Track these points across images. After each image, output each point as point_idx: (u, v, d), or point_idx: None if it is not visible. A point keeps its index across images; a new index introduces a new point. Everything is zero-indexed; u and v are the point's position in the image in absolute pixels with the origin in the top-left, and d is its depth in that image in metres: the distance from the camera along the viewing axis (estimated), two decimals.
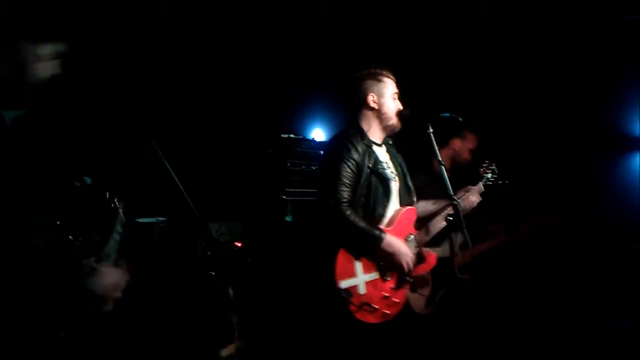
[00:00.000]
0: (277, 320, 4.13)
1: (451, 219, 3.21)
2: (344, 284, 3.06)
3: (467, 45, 5.24)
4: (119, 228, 2.54)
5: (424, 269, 3.44)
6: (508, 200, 4.53)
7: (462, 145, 4.32)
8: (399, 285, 3.25)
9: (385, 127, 3.40)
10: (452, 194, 3.20)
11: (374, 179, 3.24)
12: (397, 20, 5.19)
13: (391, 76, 3.44)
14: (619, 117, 5.08)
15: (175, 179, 3.08)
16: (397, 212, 3.35)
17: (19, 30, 2.27)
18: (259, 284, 4.16)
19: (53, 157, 2.42)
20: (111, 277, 2.37)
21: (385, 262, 3.18)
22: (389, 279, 3.21)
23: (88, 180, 2.54)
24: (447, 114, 3.33)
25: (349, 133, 3.32)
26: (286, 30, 5.32)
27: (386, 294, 3.18)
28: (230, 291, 3.55)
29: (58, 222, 2.28)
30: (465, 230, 3.17)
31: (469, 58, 5.24)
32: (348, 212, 3.08)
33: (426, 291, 3.87)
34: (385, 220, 3.30)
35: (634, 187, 4.96)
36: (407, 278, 3.28)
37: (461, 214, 3.18)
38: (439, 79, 5.15)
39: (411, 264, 3.21)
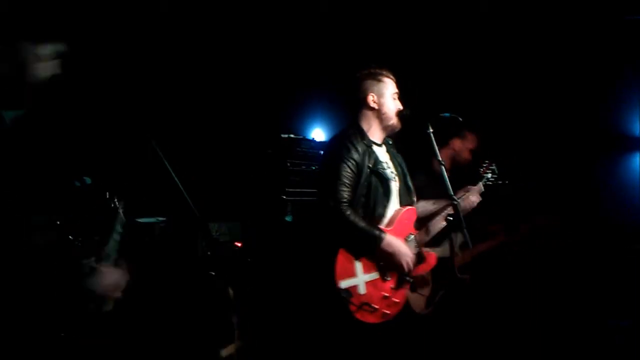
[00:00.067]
0: (277, 321, 4.13)
1: (451, 219, 3.21)
2: (344, 284, 3.06)
3: (468, 45, 5.23)
4: (119, 228, 2.54)
5: (424, 269, 3.44)
6: (508, 200, 4.53)
7: (462, 145, 4.31)
8: (399, 286, 3.25)
9: (385, 127, 3.40)
10: (452, 194, 3.20)
11: (373, 179, 3.24)
12: (397, 20, 5.19)
13: (391, 76, 3.44)
14: (619, 117, 5.08)
15: (175, 179, 3.08)
16: (397, 212, 3.35)
17: (19, 30, 2.27)
18: (259, 284, 4.16)
19: (53, 157, 2.42)
20: (111, 277, 2.37)
21: (385, 262, 3.18)
22: (389, 279, 3.21)
23: (88, 180, 2.54)
24: (447, 114, 3.33)
25: (349, 133, 3.31)
26: (286, 30, 5.32)
27: (386, 294, 3.18)
28: (230, 291, 3.55)
29: (58, 222, 2.28)
30: (465, 230, 3.17)
31: (469, 58, 5.23)
32: (348, 212, 3.08)
33: (426, 291, 3.87)
34: (385, 220, 3.30)
35: (634, 187, 4.96)
36: (407, 278, 3.28)
37: (461, 214, 3.18)
38: (439, 79, 5.15)
39: (411, 264, 3.21)
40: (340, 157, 3.18)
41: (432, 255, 3.46)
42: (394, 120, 3.37)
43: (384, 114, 3.36)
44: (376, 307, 3.13)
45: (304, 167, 4.60)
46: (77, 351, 2.28)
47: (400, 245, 3.19)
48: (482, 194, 3.91)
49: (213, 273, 3.53)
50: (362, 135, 3.32)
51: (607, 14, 4.95)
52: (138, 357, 2.63)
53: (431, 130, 3.32)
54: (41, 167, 2.31)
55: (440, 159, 3.29)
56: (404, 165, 3.50)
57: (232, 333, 3.65)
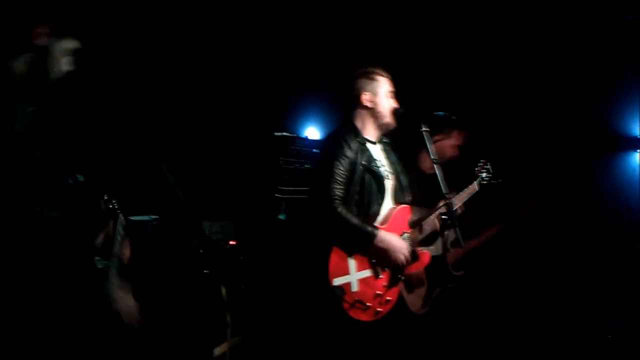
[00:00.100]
0: (271, 318, 4.13)
1: (444, 217, 3.21)
2: (337, 281, 3.07)
3: (467, 44, 5.22)
4: (121, 230, 2.56)
5: (417, 267, 3.43)
6: (507, 199, 4.52)
7: (445, 143, 4.21)
8: (391, 283, 3.24)
9: (380, 126, 3.40)
10: (446, 192, 3.20)
11: (367, 177, 3.24)
12: (393, 18, 5.18)
13: (385, 74, 3.43)
14: (619, 117, 5.05)
15: (169, 177, 3.09)
16: (391, 210, 3.35)
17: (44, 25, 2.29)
18: (253, 282, 4.17)
19: (52, 154, 2.44)
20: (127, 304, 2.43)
21: (378, 260, 3.18)
22: (381, 276, 3.21)
23: (81, 177, 2.55)
24: (440, 113, 3.33)
25: (342, 131, 3.32)
26: (280, 29, 5.33)
27: (379, 292, 3.18)
28: (223, 289, 3.55)
29: (57, 220, 2.29)
30: (457, 228, 3.17)
31: (468, 57, 5.22)
32: (340, 209, 3.08)
33: (422, 291, 3.85)
34: (380, 218, 3.30)
35: (634, 187, 4.93)
36: (400, 276, 3.28)
37: (454, 213, 3.17)
38: (436, 77, 5.14)
39: (405, 259, 3.20)
40: (333, 155, 3.19)
41: (426, 254, 3.45)
42: (388, 119, 3.37)
43: (378, 113, 3.36)
44: (369, 304, 3.13)
45: (297, 165, 4.60)
46: (77, 351, 2.30)
47: (393, 240, 3.19)
48: (477, 193, 3.91)
49: (206, 271, 3.54)
50: (356, 133, 3.32)
51: (607, 14, 4.93)
52: (131, 356, 2.63)
53: (425, 128, 3.32)
54: (41, 163, 2.33)
55: (434, 157, 3.29)
56: (398, 163, 3.50)
57: (225, 331, 3.65)
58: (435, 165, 3.31)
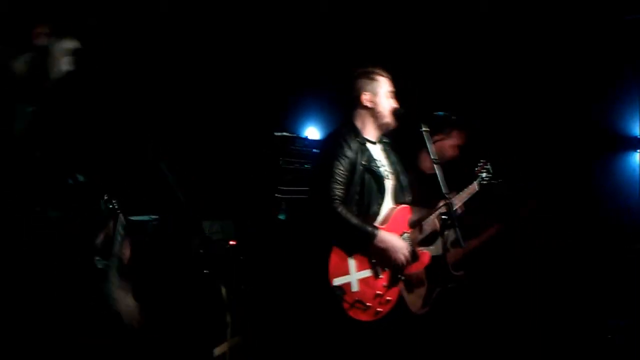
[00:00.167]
0: (271, 319, 4.13)
1: (444, 217, 3.20)
2: (337, 281, 3.06)
3: (467, 44, 5.22)
4: (121, 230, 2.56)
5: (417, 267, 3.43)
6: (507, 199, 4.52)
7: (445, 143, 4.21)
8: (391, 283, 3.24)
9: (380, 126, 3.39)
10: (446, 192, 3.19)
11: (367, 177, 3.24)
12: (393, 18, 5.18)
13: (385, 74, 3.43)
14: (619, 117, 5.05)
15: (169, 177, 3.09)
16: (391, 210, 3.35)
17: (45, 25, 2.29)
18: (253, 282, 4.17)
19: (51, 154, 2.44)
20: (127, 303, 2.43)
21: (378, 259, 3.18)
22: (381, 276, 3.21)
23: (81, 177, 2.55)
24: (441, 113, 3.33)
25: (342, 131, 3.32)
26: (280, 29, 5.33)
27: (379, 292, 3.18)
28: (224, 289, 3.55)
29: (57, 220, 2.29)
30: (457, 228, 3.16)
31: (468, 57, 5.22)
32: (340, 209, 3.08)
33: (422, 291, 3.85)
34: (380, 218, 3.30)
35: (634, 187, 4.93)
36: (400, 276, 3.28)
37: (454, 213, 3.17)
38: (436, 77, 5.13)
39: (405, 259, 3.20)
40: (333, 155, 3.19)
41: (426, 254, 3.45)
42: (388, 119, 3.37)
43: (378, 113, 3.36)
44: (369, 304, 3.13)
45: (297, 165, 4.60)
46: (77, 351, 2.30)
47: (394, 239, 3.19)
48: (477, 193, 3.91)
49: (206, 271, 3.54)
50: (356, 132, 3.32)
51: (607, 14, 4.92)
52: (131, 356, 2.63)
53: (425, 128, 3.32)
54: (41, 163, 2.33)
55: (434, 157, 3.29)
56: (399, 163, 3.50)
57: (225, 331, 3.66)
58: (435, 165, 3.30)
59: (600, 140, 5.00)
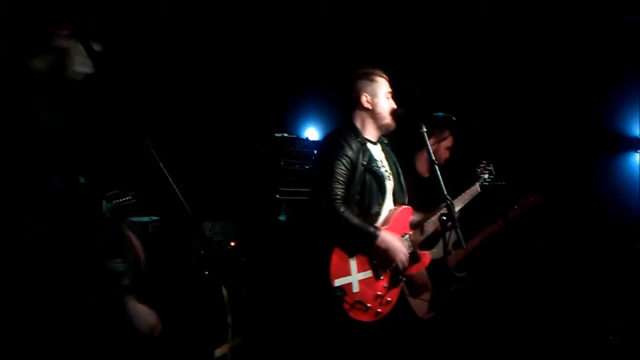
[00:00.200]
0: (272, 319, 4.13)
1: (445, 218, 3.20)
2: (338, 282, 3.06)
3: (467, 44, 5.22)
4: (130, 232, 2.56)
5: (418, 268, 3.42)
6: (507, 199, 4.51)
7: (440, 145, 4.19)
8: (392, 284, 3.24)
9: (379, 127, 3.40)
10: (446, 193, 3.19)
11: (368, 177, 3.24)
12: (393, 18, 5.18)
13: (384, 75, 3.43)
14: (619, 117, 5.05)
15: (169, 177, 3.09)
16: (392, 211, 3.35)
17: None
18: (253, 283, 4.17)
19: (52, 156, 2.43)
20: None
21: (379, 260, 3.18)
22: (382, 277, 3.21)
23: (81, 179, 2.55)
24: (440, 114, 3.33)
25: (342, 131, 3.32)
26: (280, 29, 5.33)
27: (379, 293, 3.18)
28: (224, 290, 3.55)
29: (57, 220, 2.29)
30: (458, 229, 3.16)
31: (469, 57, 5.22)
32: (342, 209, 3.08)
33: (427, 295, 3.83)
34: (381, 219, 3.30)
35: (634, 187, 4.93)
36: (400, 277, 3.28)
37: (455, 214, 3.16)
38: (436, 78, 5.13)
39: (405, 260, 3.21)
40: (334, 155, 3.18)
41: (427, 255, 3.44)
42: (388, 120, 3.37)
43: (377, 114, 3.36)
44: (369, 305, 3.13)
45: (297, 166, 4.61)
46: (77, 351, 2.29)
47: (394, 241, 3.19)
48: (479, 195, 3.90)
49: (207, 272, 3.53)
50: (357, 132, 3.32)
51: (607, 14, 4.92)
52: (131, 356, 2.63)
53: (424, 129, 3.31)
54: (41, 163, 2.33)
55: (433, 158, 3.28)
56: (398, 164, 3.50)
57: (226, 332, 3.66)
58: (435, 166, 3.29)
59: (600, 140, 5.00)
